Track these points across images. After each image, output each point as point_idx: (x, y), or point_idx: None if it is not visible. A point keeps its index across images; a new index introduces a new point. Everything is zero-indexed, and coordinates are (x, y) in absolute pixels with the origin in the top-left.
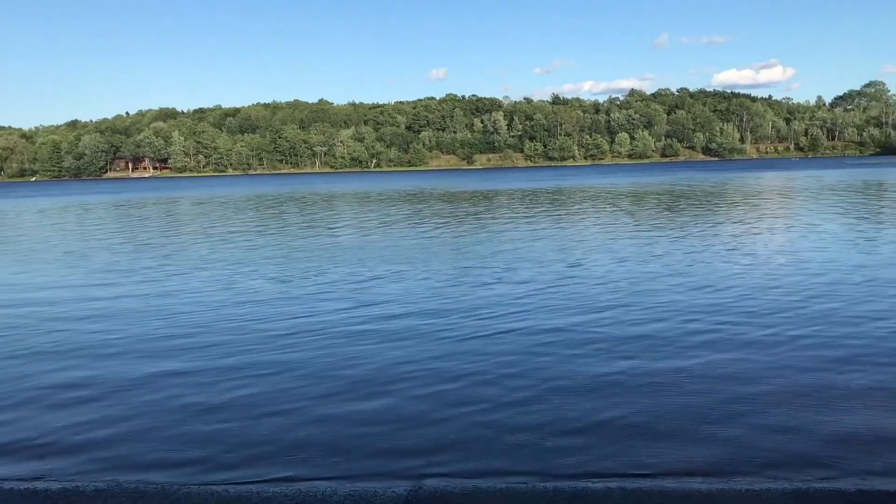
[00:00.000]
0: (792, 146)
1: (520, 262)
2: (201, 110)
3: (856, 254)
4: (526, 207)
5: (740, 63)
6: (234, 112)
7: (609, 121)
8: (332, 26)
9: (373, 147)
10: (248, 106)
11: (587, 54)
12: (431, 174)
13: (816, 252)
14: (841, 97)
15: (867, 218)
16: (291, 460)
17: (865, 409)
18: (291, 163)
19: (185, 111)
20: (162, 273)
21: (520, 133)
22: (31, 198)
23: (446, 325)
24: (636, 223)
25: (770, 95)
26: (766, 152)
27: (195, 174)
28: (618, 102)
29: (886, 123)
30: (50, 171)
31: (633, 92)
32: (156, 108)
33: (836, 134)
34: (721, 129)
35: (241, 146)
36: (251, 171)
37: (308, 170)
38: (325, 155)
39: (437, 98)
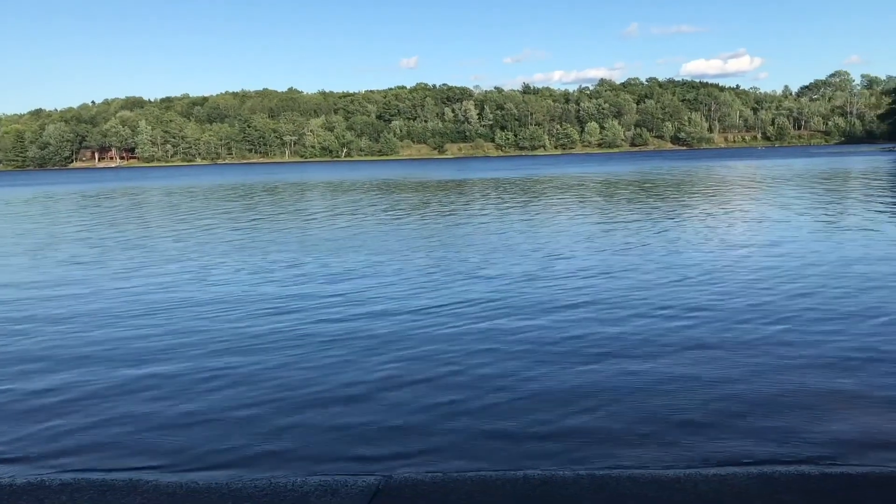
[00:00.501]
0: (759, 135)
1: (494, 255)
2: (169, 99)
3: (833, 244)
4: (499, 197)
5: (709, 53)
6: (203, 101)
7: (579, 110)
8: (302, 14)
9: (343, 136)
10: (217, 95)
11: (557, 44)
12: (403, 163)
13: (790, 243)
14: (807, 87)
15: (841, 206)
16: (261, 453)
17: (829, 397)
18: (261, 152)
19: (153, 100)
20: (132, 266)
21: (491, 122)
22: None
23: (420, 320)
24: (611, 213)
25: (738, 85)
26: (734, 141)
27: (163, 164)
28: (587, 92)
29: (851, 113)
30: (13, 161)
31: (602, 81)
32: (122, 96)
33: (803, 123)
34: (689, 118)
35: (210, 135)
36: (220, 161)
37: (278, 159)
38: (294, 144)
39: (408, 87)
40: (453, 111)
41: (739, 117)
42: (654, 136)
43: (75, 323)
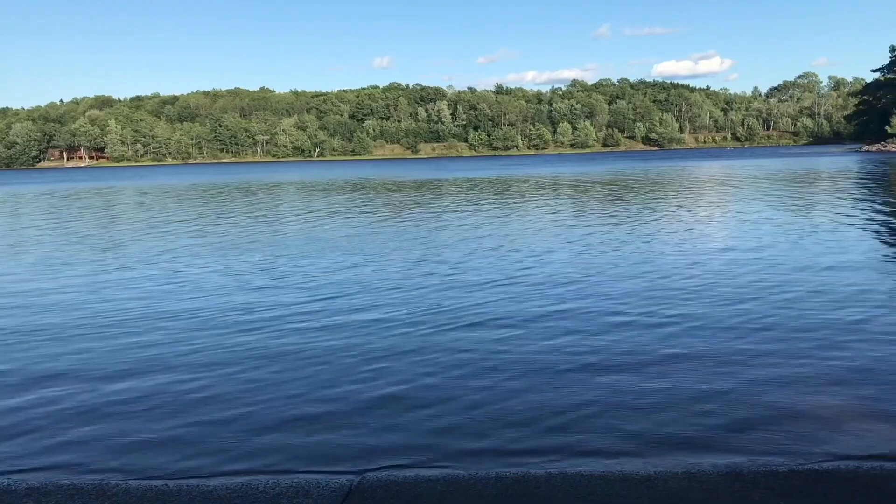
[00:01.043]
0: (729, 136)
1: (472, 257)
2: (139, 98)
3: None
4: (474, 197)
5: (680, 54)
6: (173, 100)
7: (551, 111)
8: (274, 12)
9: (316, 136)
10: (188, 94)
11: (530, 44)
12: (376, 163)
13: (768, 247)
14: (776, 88)
15: (817, 207)
16: (232, 455)
17: (798, 393)
18: (232, 152)
19: (122, 99)
20: (102, 267)
21: (464, 122)
22: None
23: (395, 320)
24: (586, 213)
25: (708, 86)
26: (705, 142)
27: (133, 163)
28: (560, 92)
29: (819, 114)
30: None
31: (574, 82)
32: (91, 95)
33: (772, 124)
34: (661, 119)
35: (181, 135)
36: (191, 161)
37: (249, 159)
38: (266, 144)
39: (381, 86)
40: (427, 111)
41: (710, 118)
42: (626, 137)
43: (42, 334)
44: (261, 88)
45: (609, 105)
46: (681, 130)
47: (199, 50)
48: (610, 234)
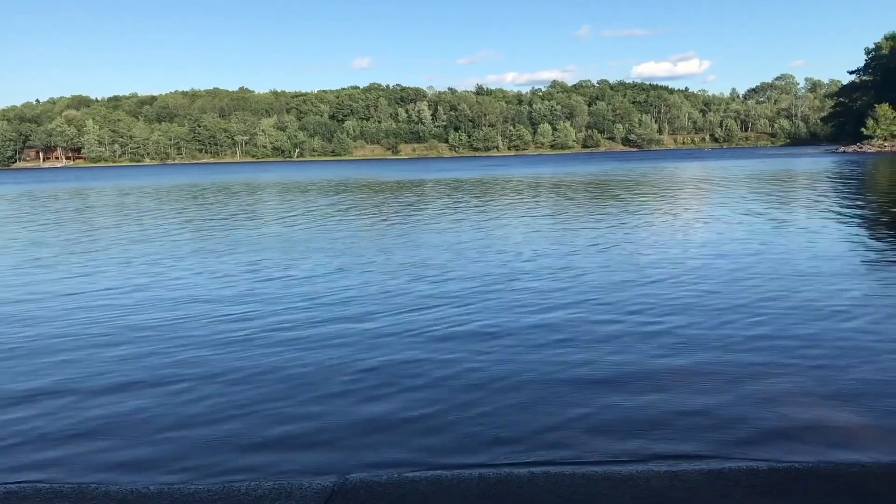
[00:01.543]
0: (707, 137)
1: (459, 257)
2: (116, 98)
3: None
4: (457, 198)
5: (659, 56)
6: (151, 100)
7: (531, 112)
8: (254, 12)
9: (295, 136)
10: (166, 94)
11: (510, 45)
12: (356, 164)
13: (757, 244)
14: (754, 90)
15: (797, 208)
16: (214, 456)
17: (776, 392)
18: (211, 152)
19: (99, 99)
20: (82, 269)
21: (444, 123)
22: None
23: (379, 325)
24: (571, 215)
25: (687, 87)
26: (683, 143)
27: (111, 164)
28: (540, 94)
29: (795, 115)
30: None
31: (554, 83)
32: (68, 95)
33: (749, 125)
34: (640, 120)
35: (159, 135)
36: (169, 161)
37: (229, 159)
38: (246, 144)
39: (362, 87)
40: (407, 112)
41: (688, 119)
42: (606, 138)
43: (23, 332)
44: (240, 88)
45: (589, 106)
46: (660, 131)
47: (177, 50)
48: (596, 236)
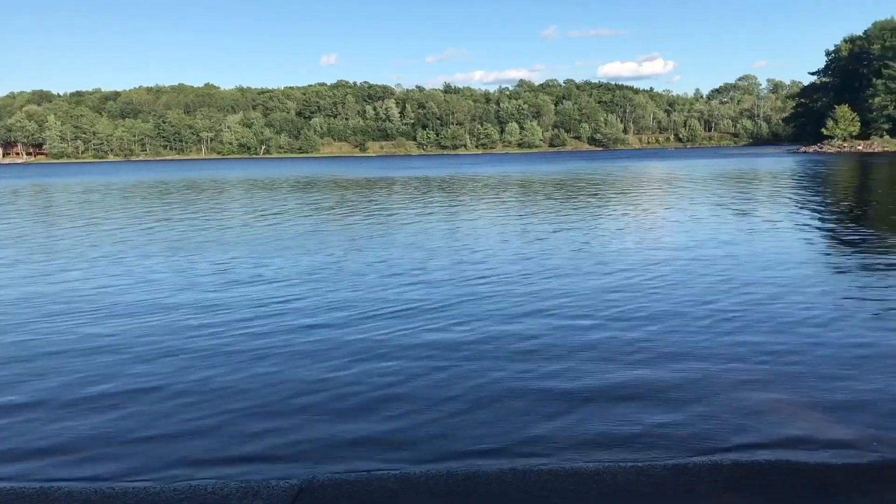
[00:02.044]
0: (672, 137)
1: (434, 257)
2: (79, 93)
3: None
4: (426, 196)
5: (624, 56)
6: (115, 96)
7: (499, 111)
8: (219, 8)
9: (262, 133)
10: (130, 89)
11: (478, 44)
12: (324, 161)
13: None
14: (717, 90)
15: (760, 206)
16: (181, 457)
17: (743, 389)
18: (176, 149)
19: (62, 94)
20: (39, 268)
21: (412, 121)
22: None
23: (349, 323)
24: (539, 213)
25: (652, 88)
26: (648, 143)
27: (73, 160)
28: (507, 93)
29: (758, 116)
30: None
31: (522, 82)
32: (28, 90)
33: (713, 125)
34: (606, 119)
35: (123, 131)
36: (133, 158)
37: (194, 156)
38: (211, 141)
39: (329, 84)
40: (375, 109)
41: (653, 119)
42: (572, 137)
43: None
44: (205, 85)
45: (555, 106)
46: (625, 131)
47: (141, 45)
48: (566, 233)
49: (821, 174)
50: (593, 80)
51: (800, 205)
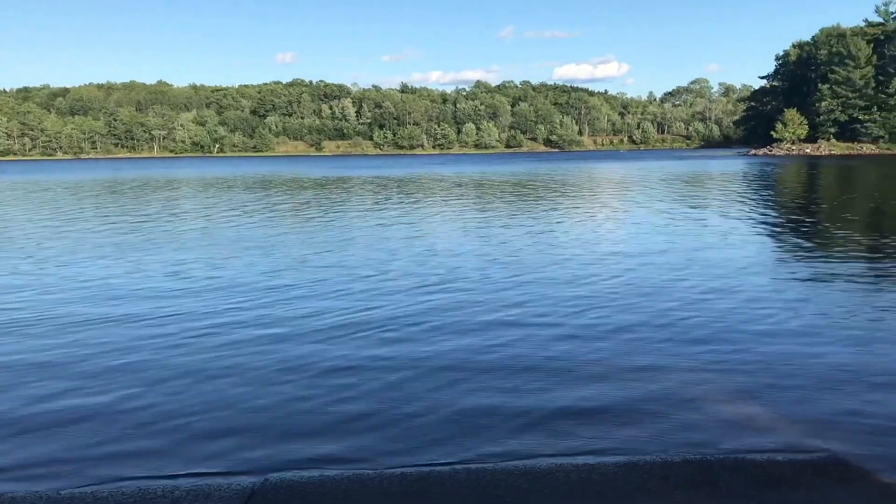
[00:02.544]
0: (626, 139)
1: (390, 258)
2: (26, 89)
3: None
4: (383, 196)
5: (579, 58)
6: (64, 92)
7: (456, 111)
8: (172, 4)
9: (215, 131)
10: (80, 86)
11: (435, 44)
12: (279, 160)
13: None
14: (670, 93)
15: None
16: (128, 460)
17: (689, 388)
18: (128, 147)
19: (7, 90)
20: None
21: (369, 121)
22: None
23: (305, 324)
24: (498, 214)
25: (606, 90)
26: (603, 144)
27: (20, 158)
28: (464, 93)
29: (709, 119)
30: None
31: (478, 83)
32: None
33: (666, 128)
34: (561, 121)
35: (72, 129)
36: (83, 156)
37: (146, 154)
38: (164, 139)
39: (284, 82)
40: (331, 108)
41: (608, 121)
42: (528, 138)
43: None
44: (158, 82)
45: (512, 107)
46: (580, 133)
47: (91, 41)
48: (527, 235)
49: (771, 176)
50: (549, 82)
51: (754, 207)
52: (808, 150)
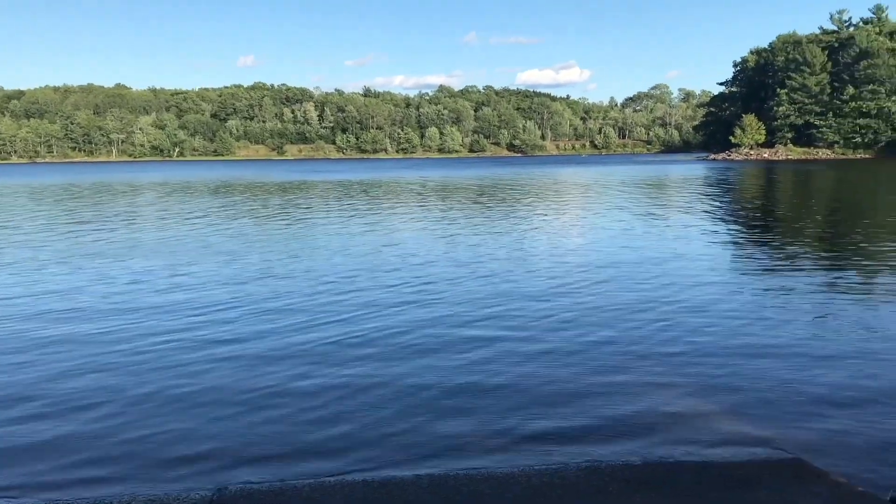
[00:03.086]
0: (587, 144)
1: (357, 268)
2: None
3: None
4: (346, 200)
5: (542, 63)
6: (19, 95)
7: (419, 115)
8: (130, 5)
9: (175, 135)
10: (36, 89)
11: (398, 48)
12: (240, 164)
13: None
14: (631, 98)
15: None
16: (87, 469)
17: (651, 391)
18: (85, 151)
19: None
20: None
21: (332, 125)
22: None
23: (265, 331)
24: (461, 218)
25: (568, 95)
26: (565, 149)
27: None
28: (428, 98)
29: (670, 124)
30: None
31: (442, 88)
32: None
33: (627, 133)
34: (524, 126)
35: (27, 132)
36: (39, 160)
37: (104, 158)
38: (122, 143)
39: (245, 86)
40: (293, 112)
41: (570, 126)
42: (491, 143)
43: None
44: (116, 85)
45: (475, 111)
46: (543, 138)
47: (47, 43)
48: (491, 238)
49: (730, 180)
50: (512, 87)
51: (714, 211)
52: (765, 155)
